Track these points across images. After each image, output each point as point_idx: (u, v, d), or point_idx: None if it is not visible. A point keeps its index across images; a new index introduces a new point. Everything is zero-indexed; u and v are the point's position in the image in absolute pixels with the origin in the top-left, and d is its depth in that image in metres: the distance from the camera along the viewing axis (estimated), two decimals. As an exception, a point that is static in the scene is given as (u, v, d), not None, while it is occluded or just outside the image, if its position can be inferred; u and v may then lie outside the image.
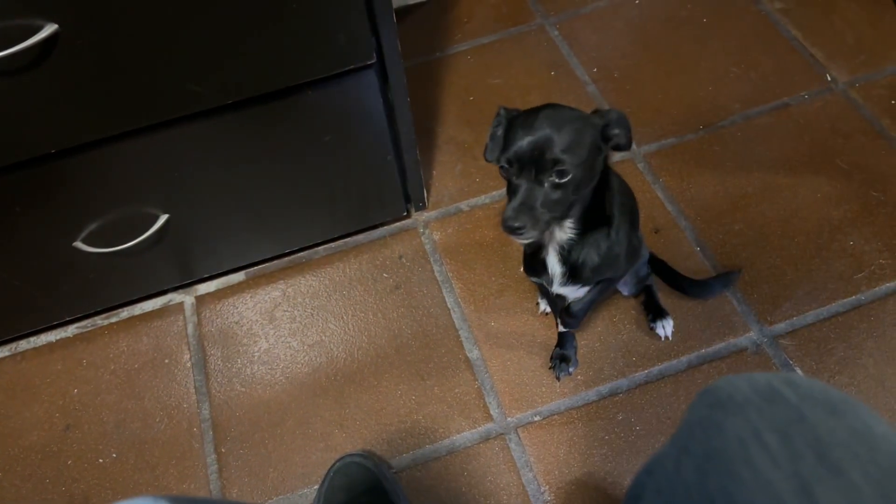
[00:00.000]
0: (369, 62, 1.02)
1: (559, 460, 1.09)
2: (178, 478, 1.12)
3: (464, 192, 1.41)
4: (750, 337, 1.17)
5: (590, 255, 0.94)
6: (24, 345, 1.28)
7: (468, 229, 1.35)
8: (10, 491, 1.13)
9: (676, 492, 0.48)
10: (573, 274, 0.96)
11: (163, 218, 1.13)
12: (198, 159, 1.07)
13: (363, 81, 1.06)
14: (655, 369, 1.16)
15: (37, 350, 1.27)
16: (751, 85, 1.50)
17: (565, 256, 0.95)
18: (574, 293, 1.03)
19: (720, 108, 1.47)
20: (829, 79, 1.49)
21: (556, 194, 0.83)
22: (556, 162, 0.80)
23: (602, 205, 0.91)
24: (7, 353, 1.27)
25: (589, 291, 1.04)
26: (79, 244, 1.11)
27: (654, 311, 1.20)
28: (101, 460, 1.14)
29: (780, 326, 1.18)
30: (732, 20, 1.62)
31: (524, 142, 0.82)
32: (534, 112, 0.83)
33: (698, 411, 0.50)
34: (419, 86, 1.58)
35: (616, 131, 0.84)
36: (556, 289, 1.01)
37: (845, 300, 1.20)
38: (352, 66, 1.01)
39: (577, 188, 0.84)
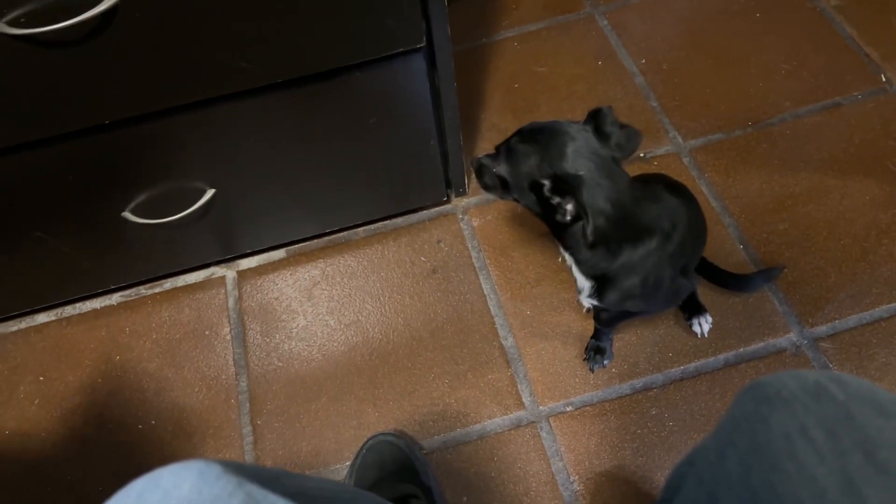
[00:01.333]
0: (418, 45, 1.02)
1: (590, 451, 1.09)
2: (215, 447, 1.14)
3: (505, 179, 1.41)
4: (790, 338, 1.16)
5: (610, 290, 0.94)
6: (69, 310, 1.31)
7: (507, 217, 1.35)
8: (54, 451, 1.16)
9: (719, 482, 0.48)
10: (599, 293, 0.96)
11: (209, 193, 1.14)
12: (246, 136, 1.09)
13: (411, 65, 1.06)
14: (692, 366, 1.15)
15: (82, 316, 1.30)
16: (802, 83, 1.48)
17: (588, 275, 0.95)
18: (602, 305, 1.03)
19: (769, 105, 1.45)
20: (883, 79, 1.46)
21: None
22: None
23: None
24: (53, 318, 1.30)
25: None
26: (127, 214, 1.13)
27: (693, 308, 1.19)
28: (140, 426, 1.17)
29: (821, 329, 1.16)
30: (786, 16, 1.59)
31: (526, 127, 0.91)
32: (556, 126, 0.88)
33: (744, 406, 0.50)
34: (464, 71, 1.57)
35: (561, 203, 0.84)
36: (583, 300, 1.00)
37: (889, 305, 1.17)
38: (401, 50, 1.02)
39: (518, 201, 0.94)
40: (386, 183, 1.27)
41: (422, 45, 1.02)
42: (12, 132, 0.97)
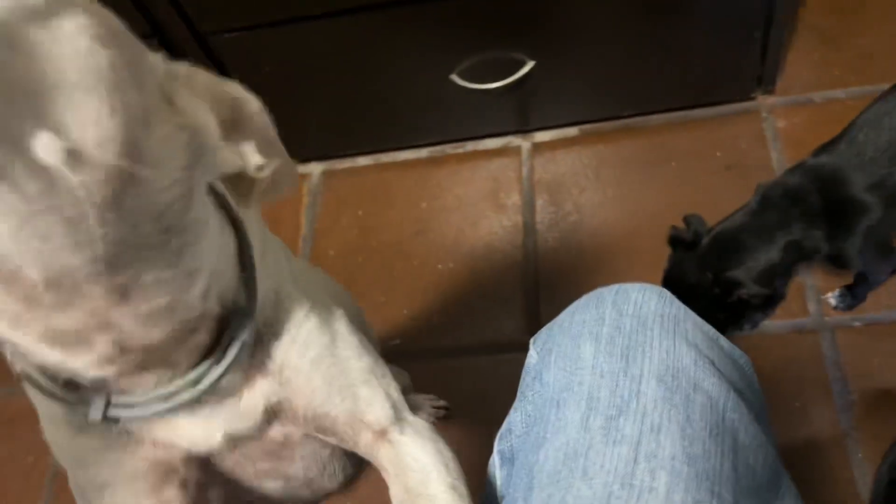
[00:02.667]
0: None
1: (872, 369, 1.08)
2: (503, 295, 1.27)
3: (819, 82, 1.34)
4: None
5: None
6: (385, 158, 1.48)
7: (816, 122, 1.30)
8: (366, 275, 1.36)
9: None
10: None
11: (529, 64, 1.22)
12: (574, 7, 1.13)
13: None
14: None
15: (396, 164, 1.47)
16: None
17: None
18: None
19: None
20: None
21: None
22: None
23: None
24: (372, 162, 1.48)
25: None
26: (454, 77, 1.24)
27: None
28: (439, 266, 1.33)
29: None
30: None
31: None
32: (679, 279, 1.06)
33: None
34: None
35: None
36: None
37: None
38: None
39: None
40: (696, 71, 1.27)
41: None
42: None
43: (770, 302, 0.99)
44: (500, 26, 1.19)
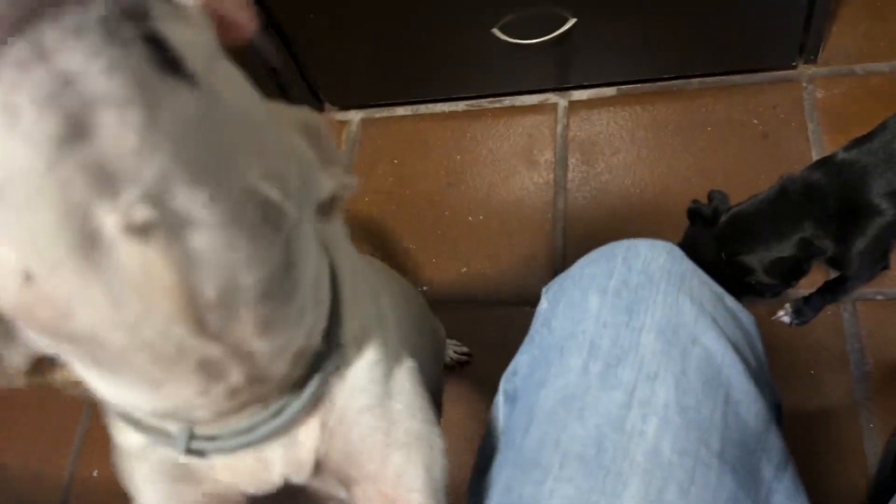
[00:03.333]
0: None
1: (891, 342, 1.09)
2: (530, 249, 1.30)
3: (863, 54, 1.32)
4: None
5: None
6: (422, 109, 1.50)
7: (857, 95, 1.29)
8: (398, 222, 1.40)
9: None
10: None
11: (571, 21, 1.22)
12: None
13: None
14: None
15: (433, 115, 1.49)
16: None
17: None
18: None
19: None
20: None
21: None
22: None
23: None
24: (409, 113, 1.51)
25: None
26: (496, 31, 1.25)
27: None
28: (470, 218, 1.36)
29: None
30: None
31: None
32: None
33: None
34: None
35: None
36: None
37: None
38: None
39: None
40: (737, 35, 1.26)
41: None
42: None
43: (791, 276, 1.01)
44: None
